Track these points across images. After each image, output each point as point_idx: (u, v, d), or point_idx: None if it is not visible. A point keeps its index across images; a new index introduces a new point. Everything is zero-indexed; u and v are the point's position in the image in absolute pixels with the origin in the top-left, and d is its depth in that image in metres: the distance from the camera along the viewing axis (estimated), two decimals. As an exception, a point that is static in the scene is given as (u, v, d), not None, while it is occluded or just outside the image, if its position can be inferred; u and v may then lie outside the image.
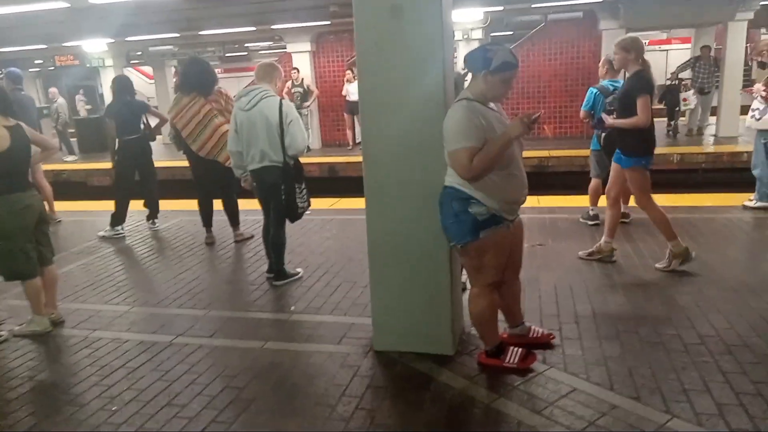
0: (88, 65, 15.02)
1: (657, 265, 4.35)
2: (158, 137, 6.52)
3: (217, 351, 3.48)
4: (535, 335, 3.28)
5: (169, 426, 2.72)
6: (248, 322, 3.89)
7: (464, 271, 3.43)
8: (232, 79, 22.17)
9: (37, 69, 20.24)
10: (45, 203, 4.58)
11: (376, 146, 3.11)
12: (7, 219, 3.58)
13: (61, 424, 2.82)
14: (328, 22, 11.55)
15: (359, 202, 6.83)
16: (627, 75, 4.38)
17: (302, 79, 12.31)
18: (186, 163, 5.75)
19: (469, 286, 3.18)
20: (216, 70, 5.99)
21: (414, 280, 3.19)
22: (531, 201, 5.68)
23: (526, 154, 3.06)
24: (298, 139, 4.20)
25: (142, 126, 6.15)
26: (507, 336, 3.26)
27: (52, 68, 16.60)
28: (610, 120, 4.41)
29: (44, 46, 13.98)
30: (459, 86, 3.51)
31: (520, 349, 3.07)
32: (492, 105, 2.88)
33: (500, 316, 3.20)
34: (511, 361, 3.02)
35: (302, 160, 4.49)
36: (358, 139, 12.22)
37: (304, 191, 4.37)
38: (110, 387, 3.12)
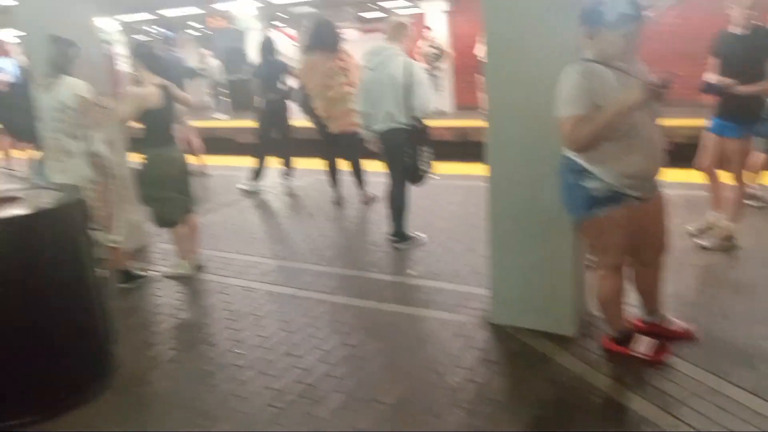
0: (237, 28, 15.94)
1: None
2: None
3: (336, 307, 3.59)
4: (672, 327, 2.96)
5: (286, 374, 2.86)
6: (367, 281, 3.96)
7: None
8: (369, 41, 22.41)
9: (193, 31, 21.93)
10: (192, 157, 4.96)
11: (500, 110, 2.95)
12: (156, 169, 3.92)
13: (195, 359, 3.09)
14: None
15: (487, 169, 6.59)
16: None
17: (435, 39, 12.08)
18: (314, 125, 5.94)
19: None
20: (352, 30, 6.03)
21: (536, 253, 3.03)
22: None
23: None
24: (424, 100, 4.12)
25: (282, 86, 6.41)
26: (640, 323, 2.98)
27: (204, 32, 17.87)
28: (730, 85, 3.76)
29: (200, 11, 15.05)
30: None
31: (653, 339, 2.80)
32: (621, 64, 2.48)
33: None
34: (641, 350, 2.77)
35: (432, 123, 4.41)
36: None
37: (428, 154, 4.30)
38: (238, 331, 3.35)
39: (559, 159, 2.68)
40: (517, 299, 3.16)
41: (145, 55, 3.96)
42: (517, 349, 2.98)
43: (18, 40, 10.35)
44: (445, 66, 12.56)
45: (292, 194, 6.50)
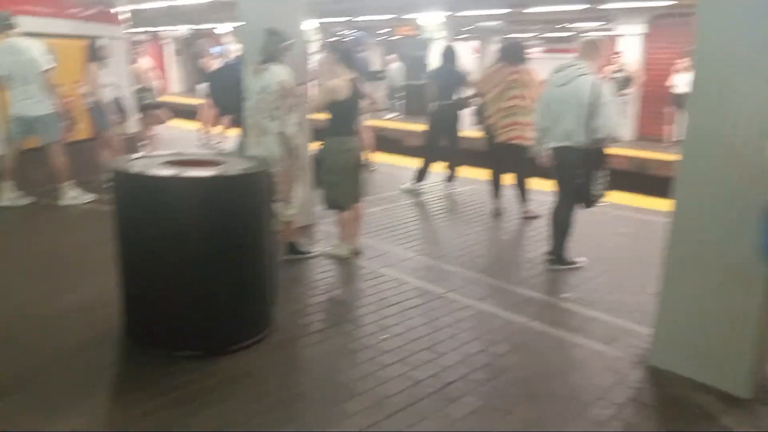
0: (422, 37, 16.47)
1: None
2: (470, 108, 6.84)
3: (482, 315, 3.56)
4: None
5: (424, 367, 2.90)
6: (518, 296, 3.87)
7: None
8: (550, 61, 21.83)
9: (382, 37, 23.08)
10: (365, 151, 5.22)
11: (698, 145, 2.71)
12: (334, 157, 4.20)
13: (342, 335, 3.25)
14: (669, 3, 10.35)
15: (663, 204, 6.12)
16: None
17: (625, 64, 11.41)
18: (484, 134, 5.94)
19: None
20: (538, 50, 5.95)
21: (716, 300, 2.73)
22: None
23: None
24: (607, 123, 3.92)
25: (456, 95, 6.50)
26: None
27: (389, 38, 18.72)
28: None
29: (390, 17, 15.80)
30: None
31: None
32: None
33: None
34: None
35: (610, 149, 4.18)
36: (677, 136, 10.89)
37: (603, 179, 4.07)
38: (385, 318, 3.46)
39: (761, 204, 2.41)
40: (684, 344, 2.87)
41: (341, 51, 4.28)
42: (677, 398, 2.72)
43: (231, 30, 11.76)
44: (632, 93, 11.82)
45: (452, 199, 6.56)
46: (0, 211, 5.41)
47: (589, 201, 4.16)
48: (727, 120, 2.59)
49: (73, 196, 5.71)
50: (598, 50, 4.17)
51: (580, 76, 4.03)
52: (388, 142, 12.14)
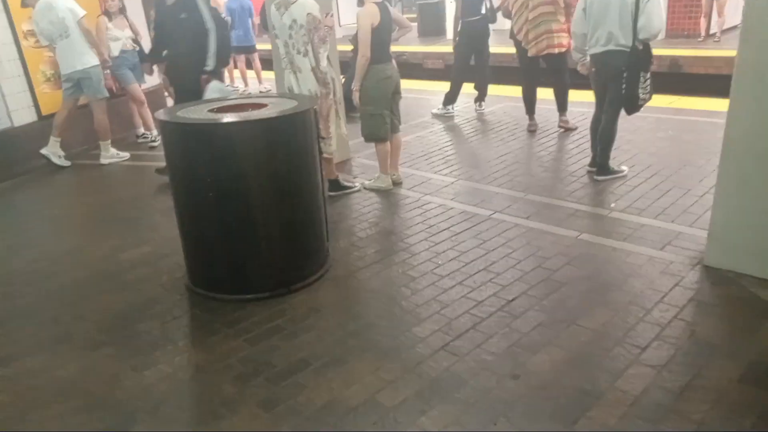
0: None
1: None
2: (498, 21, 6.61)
3: (532, 232, 3.59)
4: None
5: (483, 288, 2.98)
6: (564, 210, 3.88)
7: None
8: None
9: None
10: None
11: (761, 29, 2.57)
12: (373, 87, 4.15)
13: (398, 264, 3.33)
14: None
15: (703, 103, 5.96)
16: None
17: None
18: (514, 50, 5.76)
19: None
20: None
21: (773, 193, 2.70)
22: None
23: None
24: (654, 21, 3.75)
25: (484, 9, 6.26)
26: None
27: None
28: None
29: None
30: None
31: None
32: None
33: None
34: None
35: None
36: (713, 29, 10.34)
37: (648, 81, 3.95)
38: (437, 244, 3.53)
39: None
40: (743, 243, 2.88)
41: None
42: (737, 295, 2.76)
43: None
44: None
45: (484, 120, 6.47)
46: (51, 169, 5.55)
47: (636, 106, 4.05)
48: None
49: (113, 153, 5.81)
50: None
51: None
52: (409, 67, 11.85)
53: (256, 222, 2.96)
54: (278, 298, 3.00)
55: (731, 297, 2.76)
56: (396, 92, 4.29)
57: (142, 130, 6.43)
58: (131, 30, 6.07)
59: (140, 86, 6.28)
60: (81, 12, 5.30)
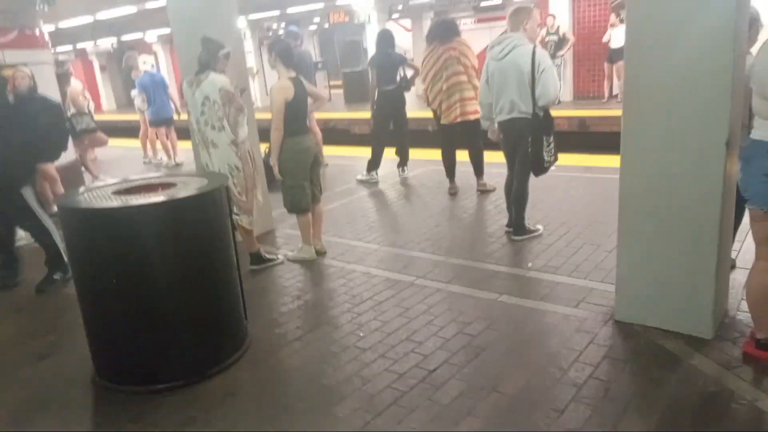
0: (356, 21, 16.35)
1: None
2: (412, 89, 6.88)
3: (453, 296, 3.62)
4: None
5: (406, 358, 2.94)
6: (484, 272, 3.95)
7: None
8: (484, 30, 22.05)
9: (314, 26, 22.79)
10: (318, 147, 5.19)
11: (641, 92, 2.79)
12: (290, 159, 4.15)
13: (320, 339, 3.25)
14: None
15: (610, 160, 6.33)
16: None
17: (558, 26, 11.65)
18: (432, 115, 5.98)
19: (738, 263, 2.73)
20: (469, 20, 6.03)
21: (672, 247, 2.86)
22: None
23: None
24: (549, 89, 4.01)
25: (398, 78, 6.52)
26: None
27: (326, 26, 18.49)
28: None
29: (321, 5, 15.60)
30: (754, 25, 2.93)
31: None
32: None
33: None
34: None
35: (552, 112, 4.29)
36: (615, 91, 11.18)
37: (552, 144, 4.18)
38: (359, 315, 3.48)
39: (710, 147, 2.56)
40: (646, 297, 3.00)
41: (281, 51, 4.19)
42: (646, 348, 2.85)
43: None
44: (566, 53, 12.07)
45: (407, 184, 6.61)
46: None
47: (542, 168, 4.27)
48: (667, 64, 2.66)
49: (21, 235, 5.47)
50: (528, 17, 4.21)
51: (516, 47, 4.10)
52: (336, 133, 12.07)
53: (163, 307, 2.82)
54: (192, 385, 2.85)
55: (640, 350, 2.85)
56: (315, 162, 4.32)
57: (54, 208, 6.14)
58: None
59: (53, 163, 6.04)
60: None
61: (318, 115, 6.74)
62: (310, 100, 4.39)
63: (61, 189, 5.90)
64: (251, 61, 15.35)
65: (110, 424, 2.64)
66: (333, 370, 2.91)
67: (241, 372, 2.97)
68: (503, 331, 3.15)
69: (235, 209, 3.95)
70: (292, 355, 3.12)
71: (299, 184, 4.21)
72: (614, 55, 10.63)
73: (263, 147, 5.34)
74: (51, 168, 5.96)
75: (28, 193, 4.11)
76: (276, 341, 3.28)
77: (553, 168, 4.38)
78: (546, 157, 4.16)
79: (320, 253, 4.51)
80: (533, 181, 4.44)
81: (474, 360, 2.89)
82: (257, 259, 4.33)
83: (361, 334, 3.24)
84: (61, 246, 4.27)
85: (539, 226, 4.57)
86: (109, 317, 2.85)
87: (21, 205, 4.09)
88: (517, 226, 4.46)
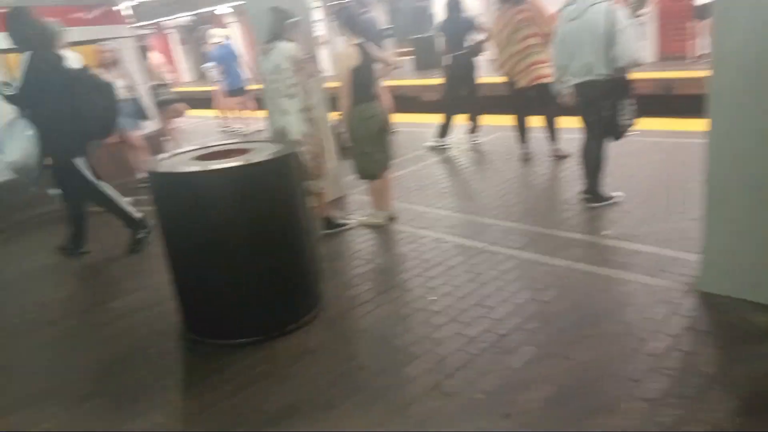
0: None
1: None
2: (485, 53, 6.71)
3: (526, 263, 3.57)
4: None
5: (476, 323, 2.94)
6: (558, 239, 3.86)
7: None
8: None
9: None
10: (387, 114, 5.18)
11: (731, 50, 2.59)
12: (358, 126, 4.19)
13: (391, 301, 3.31)
14: None
15: (696, 124, 5.97)
16: None
17: (640, -18, 10.96)
18: (505, 79, 5.81)
19: None
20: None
21: (765, 217, 2.67)
22: None
23: None
24: (628, 50, 3.80)
25: (468, 42, 6.37)
26: None
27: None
28: None
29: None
30: None
31: None
32: None
33: None
34: None
35: (634, 74, 4.06)
36: (702, 50, 10.45)
37: (630, 108, 3.97)
38: (430, 279, 3.50)
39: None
40: (736, 267, 2.84)
41: (346, 18, 4.21)
42: (732, 321, 2.71)
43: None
44: (649, 11, 11.35)
45: (478, 150, 6.51)
46: (53, 217, 5.60)
47: (618, 133, 4.08)
48: (758, 22, 2.47)
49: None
50: None
51: (591, 5, 3.91)
52: (406, 100, 11.99)
53: (241, 267, 2.95)
54: (270, 341, 2.98)
55: (726, 324, 2.71)
56: (383, 129, 4.32)
57: (142, 174, 6.50)
58: (125, 80, 6.20)
59: (137, 132, 6.38)
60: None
61: (386, 82, 6.72)
62: (378, 66, 4.37)
63: (146, 156, 6.24)
64: (320, 29, 15.40)
65: (197, 374, 2.82)
66: (404, 331, 2.96)
67: (316, 331, 3.07)
68: (577, 299, 3.08)
69: (307, 175, 4.03)
70: (365, 316, 3.19)
71: (368, 151, 4.25)
72: (702, 11, 9.90)
73: (334, 114, 5.40)
74: (137, 137, 6.31)
75: (81, 165, 4.30)
76: (348, 303, 3.37)
77: (632, 132, 4.17)
78: (624, 122, 3.97)
79: (391, 219, 4.55)
80: (612, 146, 4.26)
81: (546, 326, 2.85)
82: (330, 224, 4.43)
83: (432, 298, 3.26)
84: (127, 207, 4.51)
85: (618, 193, 4.39)
86: (195, 275, 3.02)
87: (79, 177, 4.28)
88: (593, 192, 4.31)
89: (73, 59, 5.26)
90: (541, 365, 2.55)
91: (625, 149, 5.23)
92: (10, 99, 4.03)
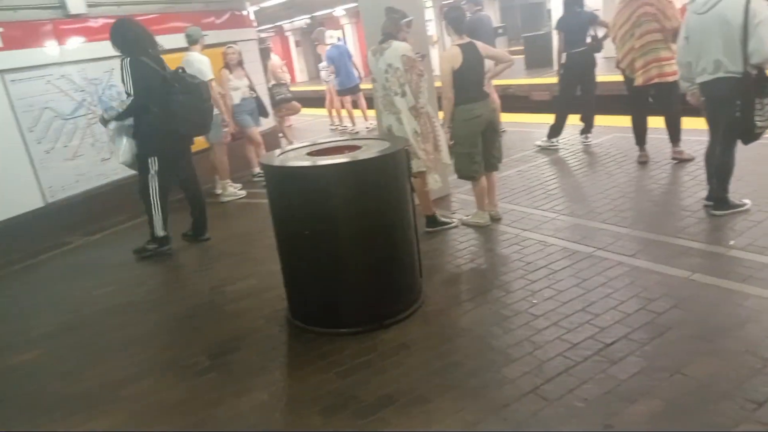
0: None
1: None
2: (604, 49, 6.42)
3: (637, 271, 3.39)
4: None
5: (580, 329, 2.85)
6: (675, 248, 3.62)
7: None
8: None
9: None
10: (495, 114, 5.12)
11: None
12: (460, 126, 4.19)
13: (491, 302, 3.28)
14: None
15: None
16: None
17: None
18: (621, 78, 5.53)
19: None
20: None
21: None
22: None
23: None
24: (766, 44, 3.47)
25: (589, 38, 6.13)
26: None
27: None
28: None
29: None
30: None
31: None
32: None
33: None
34: None
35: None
36: None
37: (766, 108, 3.63)
38: (533, 282, 3.43)
39: None
40: None
41: (451, 18, 4.24)
42: None
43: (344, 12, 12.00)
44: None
45: (591, 152, 6.24)
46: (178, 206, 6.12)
47: (753, 135, 3.74)
48: None
49: (232, 192, 6.31)
50: None
51: (727, -5, 3.61)
52: (515, 100, 11.76)
53: (347, 260, 3.07)
54: (370, 333, 3.07)
55: None
56: (489, 129, 4.28)
57: (257, 169, 6.92)
58: (248, 79, 6.61)
59: (257, 129, 6.80)
60: (209, 75, 5.72)
61: (496, 81, 6.65)
62: (489, 64, 4.34)
63: (264, 151, 6.64)
64: (432, 29, 15.46)
65: (300, 359, 2.98)
66: (503, 332, 2.93)
67: (415, 326, 3.13)
68: (693, 312, 2.88)
69: (413, 167, 4.07)
70: (463, 315, 3.19)
71: (468, 152, 4.23)
72: None
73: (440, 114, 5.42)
74: (256, 133, 6.72)
75: (153, 163, 4.56)
76: (448, 300, 3.39)
77: (766, 135, 3.81)
78: (758, 122, 3.63)
79: (495, 219, 4.50)
80: (741, 149, 3.92)
81: (657, 339, 2.70)
82: (433, 221, 4.46)
83: (534, 301, 3.20)
84: (159, 222, 4.69)
85: (746, 201, 4.03)
86: (303, 265, 3.18)
87: (144, 170, 4.57)
88: (718, 199, 3.99)
89: (200, 61, 5.72)
90: (648, 378, 2.42)
91: (755, 153, 4.80)
92: (119, 117, 4.47)
